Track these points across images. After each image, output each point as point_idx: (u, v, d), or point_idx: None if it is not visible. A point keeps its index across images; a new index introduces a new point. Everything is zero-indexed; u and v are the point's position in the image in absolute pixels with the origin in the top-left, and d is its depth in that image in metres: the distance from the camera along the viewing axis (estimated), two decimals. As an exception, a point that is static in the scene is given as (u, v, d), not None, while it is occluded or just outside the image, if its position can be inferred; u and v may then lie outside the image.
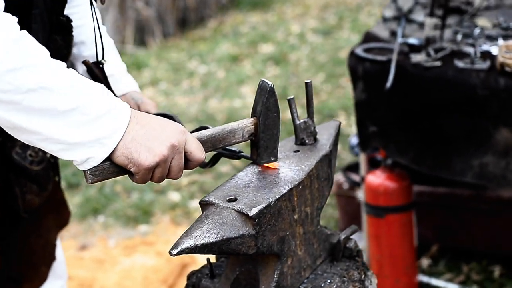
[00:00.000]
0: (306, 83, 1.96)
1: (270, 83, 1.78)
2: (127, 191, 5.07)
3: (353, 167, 3.96)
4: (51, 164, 2.26)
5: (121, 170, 1.65)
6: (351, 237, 2.03)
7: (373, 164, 3.65)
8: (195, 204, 4.80)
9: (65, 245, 4.37)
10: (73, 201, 4.93)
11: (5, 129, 1.57)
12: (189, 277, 2.02)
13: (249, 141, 1.85)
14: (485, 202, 3.63)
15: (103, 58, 2.06)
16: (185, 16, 10.17)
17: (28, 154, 2.14)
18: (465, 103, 2.93)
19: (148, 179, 1.66)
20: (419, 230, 3.60)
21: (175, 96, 7.24)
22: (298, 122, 1.96)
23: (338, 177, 4.01)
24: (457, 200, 3.68)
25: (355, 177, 3.90)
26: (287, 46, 8.51)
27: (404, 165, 3.27)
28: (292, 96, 1.95)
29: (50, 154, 2.20)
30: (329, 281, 1.90)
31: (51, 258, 2.39)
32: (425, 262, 3.76)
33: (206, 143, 1.77)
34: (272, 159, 1.85)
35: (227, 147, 1.88)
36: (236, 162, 5.24)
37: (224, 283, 1.88)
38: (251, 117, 1.83)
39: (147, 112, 2.15)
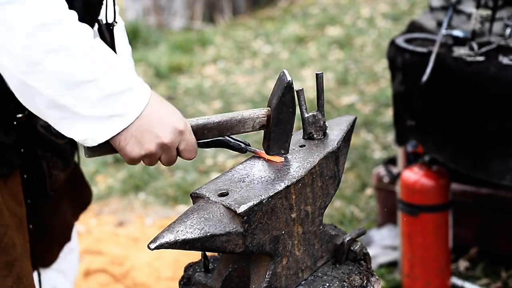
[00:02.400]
0: (317, 75, 1.87)
1: (289, 78, 1.71)
2: (171, 169, 5.04)
3: (396, 161, 3.82)
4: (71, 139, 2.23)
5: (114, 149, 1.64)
6: (357, 240, 1.94)
7: (416, 159, 3.50)
8: (237, 187, 4.73)
9: (103, 220, 4.38)
10: (118, 176, 4.94)
11: (17, 94, 1.55)
12: (185, 269, 1.96)
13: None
14: (529, 206, 3.46)
15: (114, 20, 2.00)
16: (256, -5, 10.10)
17: (52, 127, 2.12)
18: (506, 102, 2.76)
19: (135, 164, 1.66)
20: (459, 231, 3.45)
21: (235, 75, 7.19)
22: (306, 115, 1.87)
23: (379, 170, 3.88)
24: (500, 202, 3.51)
25: (397, 171, 3.76)
26: (354, 29, 8.35)
27: (442, 163, 3.13)
28: (301, 88, 1.85)
29: None
30: (327, 284, 1.82)
31: (66, 238, 2.36)
32: (462, 264, 3.61)
33: (212, 130, 1.73)
34: (283, 152, 1.79)
35: (234, 139, 1.82)
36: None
37: (216, 279, 1.82)
38: (267, 107, 1.77)
39: None
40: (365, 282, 1.86)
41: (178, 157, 1.71)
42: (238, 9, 9.74)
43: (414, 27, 3.23)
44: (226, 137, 1.80)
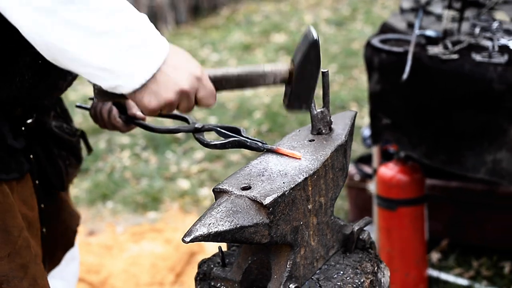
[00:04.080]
0: (323, 73, 1.93)
1: (316, 35, 1.68)
2: (137, 177, 5.06)
3: (365, 159, 3.93)
4: (79, 136, 2.25)
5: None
6: (365, 229, 2.01)
7: (385, 157, 3.62)
8: (204, 192, 4.78)
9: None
10: (82, 186, 4.92)
11: (35, 46, 1.53)
12: (200, 265, 2.00)
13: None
14: (497, 198, 3.60)
15: None
16: (197, 4, 10.15)
17: (64, 126, 2.14)
18: (480, 98, 2.90)
19: (153, 115, 1.64)
20: (430, 224, 3.57)
21: (186, 83, 7.20)
22: (315, 112, 1.94)
23: (350, 168, 3.98)
24: (469, 195, 3.65)
25: (367, 169, 3.87)
26: (299, 36, 8.42)
27: (416, 158, 3.25)
28: (326, 70, 1.90)
29: (75, 127, 2.21)
30: (341, 272, 1.89)
31: (69, 244, 2.36)
32: (434, 256, 3.74)
33: (231, 81, 1.68)
34: (304, 106, 1.78)
35: (251, 138, 1.83)
36: (246, 151, 5.23)
37: (236, 272, 1.86)
38: (291, 62, 1.74)
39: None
40: (376, 268, 1.94)
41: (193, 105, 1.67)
42: (180, 18, 9.78)
43: (386, 28, 3.34)
44: (241, 137, 1.84)
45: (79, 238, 4.20)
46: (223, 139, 1.85)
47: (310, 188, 1.79)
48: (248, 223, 1.66)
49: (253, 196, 1.69)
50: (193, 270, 3.81)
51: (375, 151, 3.40)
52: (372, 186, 3.53)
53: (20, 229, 1.91)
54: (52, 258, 2.30)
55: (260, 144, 1.86)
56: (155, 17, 9.38)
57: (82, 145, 2.29)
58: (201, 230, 1.63)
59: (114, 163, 5.30)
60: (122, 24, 1.50)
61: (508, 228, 3.61)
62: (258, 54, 8.01)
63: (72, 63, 1.52)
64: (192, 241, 1.62)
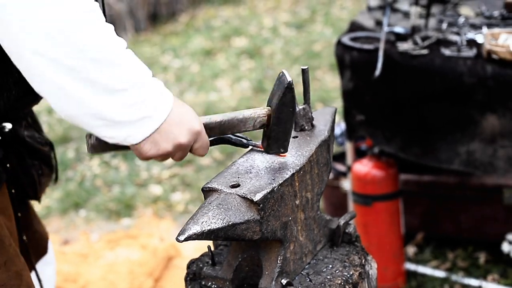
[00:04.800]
0: (303, 69, 1.96)
1: (290, 79, 1.76)
2: (108, 185, 5.03)
3: (337, 157, 3.97)
4: (50, 145, 2.25)
5: (125, 147, 1.66)
6: (350, 222, 2.04)
7: (358, 154, 3.66)
8: (177, 197, 4.78)
9: (47, 240, 4.32)
10: (53, 195, 4.89)
11: (51, 101, 1.56)
12: (189, 265, 2.01)
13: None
14: (469, 189, 3.66)
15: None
16: (156, 11, 10.13)
17: (36, 136, 2.14)
18: (452, 91, 2.95)
19: (148, 160, 1.69)
20: (405, 218, 3.61)
21: (150, 90, 7.18)
22: (297, 109, 1.96)
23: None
24: (442, 188, 3.71)
25: (339, 167, 3.91)
26: (260, 39, 8.51)
27: (390, 153, 3.29)
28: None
29: (45, 136, 2.21)
30: (330, 266, 1.91)
31: (44, 251, 2.36)
32: (411, 250, 3.79)
33: (214, 129, 1.76)
34: (282, 150, 1.84)
35: (236, 135, 1.87)
36: (216, 154, 5.23)
37: (226, 270, 1.87)
38: (267, 106, 1.81)
39: None
40: (364, 261, 1.96)
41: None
42: (139, 26, 9.75)
43: (355, 26, 3.38)
44: (230, 137, 1.87)
45: (54, 248, 4.19)
46: None
47: (297, 184, 1.81)
48: (240, 220, 1.68)
49: (243, 193, 1.70)
50: (171, 275, 3.81)
51: (349, 147, 3.43)
52: (346, 183, 3.57)
53: (9, 238, 1.90)
54: (29, 266, 2.30)
55: (245, 141, 1.88)
56: (114, 25, 9.27)
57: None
58: (195, 229, 1.64)
59: (84, 172, 5.27)
60: (137, 81, 1.56)
61: (482, 218, 3.67)
62: (220, 58, 8.02)
63: (89, 118, 1.57)
64: (186, 239, 1.63)
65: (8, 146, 2.01)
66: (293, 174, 1.79)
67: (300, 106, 1.97)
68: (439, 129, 3.02)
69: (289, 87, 1.76)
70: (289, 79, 1.76)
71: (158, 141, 1.63)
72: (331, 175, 3.94)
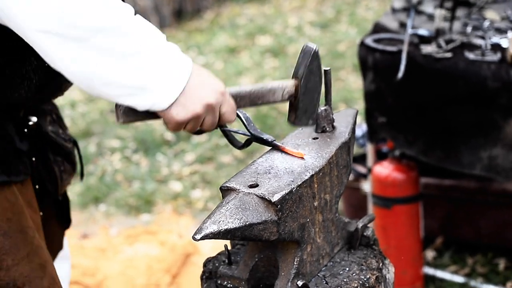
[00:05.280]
0: (325, 71, 1.95)
1: (314, 46, 1.75)
2: (128, 180, 5.05)
3: (358, 159, 3.95)
4: (73, 143, 2.26)
5: (154, 115, 1.66)
6: (368, 225, 2.03)
7: (379, 156, 3.64)
8: (197, 194, 4.79)
9: (67, 234, 4.33)
10: (74, 189, 4.91)
11: (68, 75, 1.57)
12: (205, 264, 2.00)
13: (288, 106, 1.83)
14: (491, 194, 3.63)
15: None
16: (181, 7, 10.14)
17: (60, 132, 2.15)
18: (475, 95, 2.93)
19: (179, 130, 1.69)
20: (425, 222, 3.59)
21: (173, 86, 7.21)
22: (319, 110, 1.96)
23: (343, 168, 3.99)
24: (463, 192, 3.68)
25: (360, 169, 3.89)
26: (285, 38, 8.50)
27: (411, 156, 3.27)
28: (328, 68, 1.93)
29: (69, 134, 2.22)
30: (347, 269, 1.90)
31: (59, 247, 2.37)
32: (430, 254, 3.77)
33: (244, 99, 1.76)
34: (310, 122, 1.84)
35: (259, 135, 1.85)
36: (237, 153, 5.23)
37: (243, 269, 1.87)
38: (292, 78, 1.81)
39: None
40: (381, 264, 1.95)
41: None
42: (164, 22, 9.77)
43: (378, 28, 3.36)
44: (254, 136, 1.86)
45: (73, 242, 4.21)
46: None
47: (316, 185, 1.81)
48: (257, 220, 1.68)
49: (261, 193, 1.70)
50: (189, 272, 3.81)
51: (370, 150, 3.42)
52: (366, 185, 3.55)
53: (33, 229, 1.92)
54: None
55: (269, 140, 1.88)
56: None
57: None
58: (212, 228, 1.64)
59: (105, 166, 5.30)
60: (150, 44, 1.57)
61: (502, 224, 3.64)
62: (244, 56, 8.02)
63: (107, 87, 1.57)
64: (202, 238, 1.63)
65: (33, 140, 2.02)
66: (312, 176, 1.78)
67: (321, 108, 1.97)
68: (461, 133, 3.00)
69: (315, 55, 1.77)
70: (314, 47, 1.76)
71: (186, 103, 1.62)
72: (351, 177, 3.92)
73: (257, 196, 1.71)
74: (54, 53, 1.55)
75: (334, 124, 2.01)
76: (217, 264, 1.98)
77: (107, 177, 5.10)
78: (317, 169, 1.80)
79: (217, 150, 5.25)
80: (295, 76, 1.81)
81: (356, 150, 4.56)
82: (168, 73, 1.58)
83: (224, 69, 7.60)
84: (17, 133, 1.94)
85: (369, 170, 3.42)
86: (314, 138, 1.95)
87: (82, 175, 2.39)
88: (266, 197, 1.69)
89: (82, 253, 4.05)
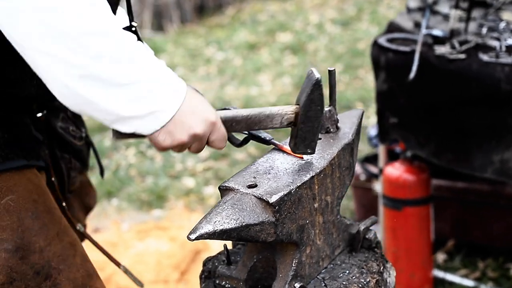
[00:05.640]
0: (330, 71, 1.93)
1: (318, 75, 1.73)
2: (142, 175, 5.06)
3: (371, 159, 3.92)
4: (87, 141, 2.26)
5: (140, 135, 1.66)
6: (371, 228, 2.01)
7: (391, 157, 3.61)
8: (209, 190, 4.78)
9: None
10: (87, 183, 4.92)
11: (59, 97, 1.58)
12: (205, 263, 2.00)
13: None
14: (503, 198, 3.59)
15: (133, 20, 2.05)
16: (203, 3, 10.15)
17: (70, 129, 2.15)
18: (488, 97, 2.89)
19: (165, 151, 1.70)
20: (436, 225, 3.56)
21: (191, 82, 7.22)
22: (324, 110, 1.93)
23: (355, 168, 3.96)
24: (475, 195, 3.64)
25: (373, 169, 3.86)
26: (305, 35, 8.47)
27: (423, 158, 3.23)
28: (333, 68, 1.91)
29: (86, 134, 2.22)
30: (347, 271, 1.88)
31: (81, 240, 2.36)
32: (440, 257, 3.73)
33: (240, 123, 1.74)
34: (309, 151, 1.80)
35: (257, 134, 1.85)
36: (252, 149, 5.22)
37: (241, 270, 1.85)
38: (295, 104, 1.78)
39: None
40: (382, 268, 1.93)
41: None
42: (185, 17, 9.78)
43: (393, 27, 3.33)
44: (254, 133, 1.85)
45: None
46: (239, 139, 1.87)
47: (316, 187, 1.78)
48: (254, 221, 1.66)
49: (259, 194, 1.68)
50: (198, 268, 3.80)
51: (381, 150, 3.39)
52: (378, 186, 3.52)
53: (59, 210, 1.92)
54: None
55: (267, 138, 1.87)
56: (160, 16, 9.38)
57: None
58: (207, 228, 1.63)
59: (119, 161, 5.31)
60: (144, 73, 1.56)
61: (515, 228, 3.60)
62: (263, 53, 8.01)
63: (97, 113, 1.58)
64: (197, 238, 1.62)
65: (42, 132, 2.02)
66: (312, 177, 1.76)
67: (326, 108, 1.94)
68: (473, 136, 2.96)
69: (317, 84, 1.74)
70: (317, 75, 1.73)
71: (173, 132, 1.62)
72: (363, 177, 3.90)
73: (255, 196, 1.69)
74: (49, 75, 1.55)
75: (339, 125, 1.99)
76: (216, 264, 1.97)
77: (121, 172, 5.10)
78: (318, 171, 1.78)
79: (231, 146, 5.21)
80: (297, 102, 1.78)
81: (369, 150, 4.52)
82: (158, 105, 1.58)
83: (243, 66, 7.59)
84: (33, 124, 1.95)
85: (380, 171, 3.39)
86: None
87: (102, 172, 2.39)
88: (264, 198, 1.67)
89: (92, 247, 4.04)
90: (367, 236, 1.98)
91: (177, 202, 4.65)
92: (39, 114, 1.98)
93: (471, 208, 3.67)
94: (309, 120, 1.77)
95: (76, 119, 2.21)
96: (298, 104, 1.77)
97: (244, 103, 6.28)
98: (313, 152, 1.81)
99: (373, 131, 4.12)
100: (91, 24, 1.51)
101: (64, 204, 2.07)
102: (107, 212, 4.59)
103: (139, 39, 2.05)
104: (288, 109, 1.76)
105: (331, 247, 1.90)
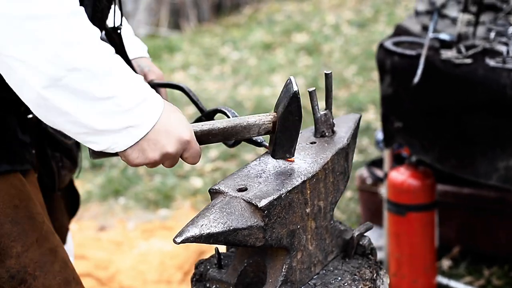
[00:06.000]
0: (326, 74, 1.91)
1: (295, 88, 1.71)
2: (150, 174, 5.05)
3: (378, 162, 3.89)
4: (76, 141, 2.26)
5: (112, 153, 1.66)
6: (366, 234, 1.98)
7: (398, 161, 3.58)
8: (217, 191, 4.75)
9: (84, 225, 4.38)
10: (96, 181, 4.93)
11: (32, 107, 1.56)
12: (197, 266, 1.99)
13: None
14: (510, 205, 3.54)
15: (121, 24, 2.04)
16: (220, 2, 10.15)
17: None
18: (494, 103, 2.84)
19: (137, 167, 1.69)
20: (442, 231, 3.52)
21: (205, 81, 7.22)
22: (319, 114, 1.91)
23: (362, 172, 3.94)
24: (482, 201, 3.60)
25: (379, 173, 3.83)
26: (321, 36, 8.45)
27: (428, 163, 3.20)
28: (313, 88, 1.89)
29: None
30: (339, 278, 1.86)
31: (62, 241, 2.36)
32: (445, 263, 3.69)
33: (217, 136, 1.73)
34: (287, 156, 1.80)
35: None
36: (261, 150, 5.19)
37: (231, 274, 1.84)
38: (274, 111, 1.78)
39: (150, 82, 2.17)
40: (375, 275, 1.90)
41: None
42: (203, 16, 9.79)
43: (400, 30, 3.29)
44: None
45: (90, 233, 4.23)
46: None
47: (308, 192, 1.76)
48: (242, 225, 1.64)
49: (249, 198, 1.67)
50: (201, 269, 3.79)
51: (386, 154, 3.36)
52: (383, 190, 3.49)
53: (42, 216, 1.92)
54: None
55: (259, 141, 1.85)
56: (177, 14, 9.39)
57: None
58: (193, 231, 1.61)
59: (128, 159, 5.29)
60: (120, 88, 1.55)
61: (521, 236, 3.56)
62: (278, 53, 7.99)
63: (70, 126, 1.56)
64: (183, 241, 1.61)
65: (32, 134, 2.02)
66: (304, 182, 1.74)
67: (321, 112, 1.92)
68: (478, 142, 2.92)
69: (295, 97, 1.72)
70: (295, 88, 1.72)
71: (145, 150, 1.61)
72: (369, 181, 3.86)
73: (244, 200, 1.68)
74: (24, 84, 1.52)
75: (335, 129, 1.96)
76: (208, 267, 1.96)
77: (130, 170, 5.10)
78: (310, 175, 1.76)
79: (241, 147, 5.21)
80: (275, 110, 1.78)
81: (376, 153, 4.49)
82: (133, 120, 1.57)
83: (257, 66, 7.58)
84: (19, 126, 1.94)
85: (385, 175, 3.36)
86: (311, 143, 1.91)
87: (79, 171, 2.38)
88: (253, 202, 1.66)
89: (97, 246, 4.06)
90: (361, 243, 1.96)
91: (184, 202, 4.64)
92: (30, 116, 1.98)
93: (477, 215, 3.63)
94: (287, 129, 1.76)
95: None
96: (276, 112, 1.76)
97: (256, 103, 6.26)
98: (292, 156, 1.81)
99: (381, 134, 4.08)
100: (69, 35, 1.49)
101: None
102: (114, 210, 4.59)
103: (122, 43, 2.05)
104: (266, 119, 1.76)
105: (324, 253, 1.88)
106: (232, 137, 1.75)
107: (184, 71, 7.61)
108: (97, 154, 1.65)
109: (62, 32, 1.48)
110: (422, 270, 3.31)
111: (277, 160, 1.83)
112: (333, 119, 1.96)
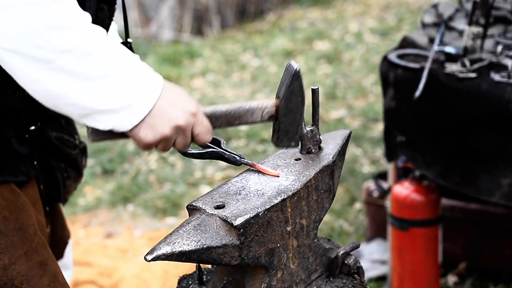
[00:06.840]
0: (313, 90, 1.88)
1: (296, 65, 1.71)
2: (160, 181, 5.04)
3: (384, 175, 3.84)
4: (81, 149, 2.25)
5: (123, 134, 1.63)
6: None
7: (406, 174, 3.52)
8: (226, 200, 4.73)
9: (91, 232, 4.37)
10: (106, 187, 4.93)
11: (32, 93, 1.57)
12: (179, 281, 1.97)
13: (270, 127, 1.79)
14: (518, 222, 3.48)
15: (128, 37, 2.02)
16: (244, 8, 10.12)
17: (64, 138, 2.14)
18: (497, 119, 2.79)
19: (149, 150, 1.66)
20: (448, 246, 3.46)
21: (223, 87, 7.20)
22: (305, 130, 1.88)
23: (369, 184, 3.90)
24: (488, 217, 3.53)
25: (386, 186, 3.78)
26: (342, 44, 8.39)
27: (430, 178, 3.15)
28: (317, 87, 1.86)
29: (79, 140, 2.22)
30: (321, 298, 1.82)
31: (59, 256, 2.35)
32: (451, 279, 3.63)
33: (220, 119, 1.71)
34: (293, 144, 1.79)
35: (229, 151, 1.80)
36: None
37: (210, 291, 1.81)
38: (275, 98, 1.76)
39: None
40: (359, 295, 1.87)
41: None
42: (226, 22, 9.77)
43: (406, 43, 3.24)
44: (220, 148, 1.80)
45: (97, 240, 4.22)
46: (201, 149, 1.81)
47: (289, 210, 1.73)
48: (216, 243, 1.62)
49: (224, 216, 1.64)
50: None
51: (390, 168, 3.31)
52: (388, 204, 3.45)
53: (35, 227, 1.91)
54: None
55: (237, 157, 1.81)
56: (200, 20, 9.38)
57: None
58: (164, 249, 1.60)
59: (140, 166, 5.29)
60: (116, 66, 1.54)
61: (528, 254, 3.48)
62: (299, 61, 7.94)
63: (71, 108, 1.56)
64: (154, 259, 1.60)
65: (35, 145, 2.01)
66: (284, 199, 1.71)
67: (308, 128, 1.88)
68: (481, 158, 2.86)
69: (296, 75, 1.71)
70: (296, 66, 1.71)
71: (154, 125, 1.59)
72: (376, 193, 3.81)
73: (220, 218, 1.65)
74: (18, 71, 1.54)
75: (322, 145, 1.92)
76: (190, 282, 1.94)
77: (140, 177, 5.09)
78: (291, 193, 1.73)
79: (253, 156, 5.17)
80: (277, 96, 1.75)
81: (383, 165, 4.43)
82: (134, 96, 1.56)
83: (277, 73, 7.53)
84: (16, 137, 1.93)
85: (389, 189, 3.31)
86: (296, 159, 1.88)
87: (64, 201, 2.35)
88: (229, 220, 1.63)
89: (103, 253, 4.05)
90: (346, 262, 1.92)
91: (192, 211, 4.61)
92: (32, 127, 1.97)
93: (484, 231, 3.56)
94: (291, 112, 1.74)
95: (69, 126, 2.20)
96: (278, 98, 1.74)
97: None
98: (297, 145, 1.79)
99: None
100: (55, 19, 1.49)
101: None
102: (122, 217, 4.57)
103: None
104: (268, 103, 1.74)
105: (307, 272, 1.84)
106: (236, 121, 1.72)
107: (203, 77, 7.60)
108: (96, 135, 1.63)
109: (47, 17, 1.48)
110: (424, 286, 3.26)
111: (259, 176, 1.80)
112: (319, 135, 1.92)
